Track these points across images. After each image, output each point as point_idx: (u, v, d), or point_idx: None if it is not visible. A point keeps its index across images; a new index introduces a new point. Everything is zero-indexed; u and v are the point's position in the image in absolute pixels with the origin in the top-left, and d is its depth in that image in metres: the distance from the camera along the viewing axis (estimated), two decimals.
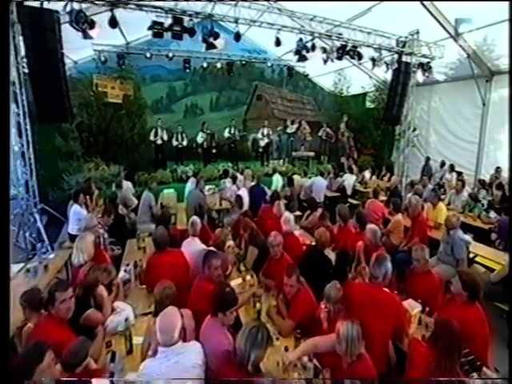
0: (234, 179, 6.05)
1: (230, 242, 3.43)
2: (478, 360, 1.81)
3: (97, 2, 4.68)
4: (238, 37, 5.54)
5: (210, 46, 5.28)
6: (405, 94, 7.45)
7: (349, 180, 7.29)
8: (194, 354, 1.64)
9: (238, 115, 12.56)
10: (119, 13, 5.80)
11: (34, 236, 4.61)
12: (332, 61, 6.39)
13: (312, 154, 9.70)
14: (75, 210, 4.23)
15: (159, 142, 8.52)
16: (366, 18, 6.77)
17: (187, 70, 9.09)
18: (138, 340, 2.00)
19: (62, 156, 6.86)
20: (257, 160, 10.21)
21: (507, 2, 4.91)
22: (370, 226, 3.07)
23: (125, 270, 2.70)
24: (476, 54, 6.94)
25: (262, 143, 9.61)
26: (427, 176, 7.57)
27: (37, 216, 4.61)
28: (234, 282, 2.79)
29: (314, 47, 6.06)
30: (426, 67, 7.20)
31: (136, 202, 5.47)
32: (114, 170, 7.23)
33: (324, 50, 6.25)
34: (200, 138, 9.16)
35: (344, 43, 6.25)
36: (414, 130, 8.61)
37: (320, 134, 10.24)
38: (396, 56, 7.00)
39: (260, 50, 10.46)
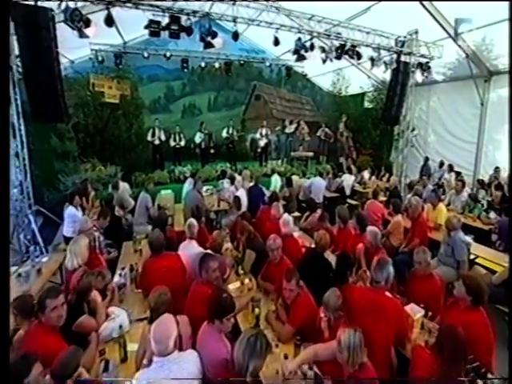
0: (232, 180, 5.99)
1: (228, 245, 3.37)
2: (483, 366, 1.76)
3: (93, 1, 4.60)
4: (236, 36, 5.47)
5: (208, 45, 5.21)
6: (404, 93, 7.42)
7: (348, 180, 7.25)
8: (191, 364, 1.58)
9: (237, 115, 12.49)
10: (116, 12, 5.75)
11: (29, 238, 4.52)
12: (331, 60, 6.35)
13: (311, 154, 9.66)
14: (70, 212, 4.16)
15: (157, 142, 8.44)
16: (365, 18, 6.74)
17: (185, 70, 9.04)
18: (133, 347, 1.94)
19: (58, 156, 6.77)
20: (255, 160, 10.15)
21: (507, 2, 4.89)
22: (371, 228, 3.02)
23: (120, 274, 2.63)
24: (475, 54, 6.93)
25: (261, 143, 9.55)
26: (426, 176, 7.54)
27: (31, 218, 4.53)
28: (233, 286, 2.74)
29: (312, 47, 6.02)
30: (424, 67, 7.18)
31: (133, 203, 5.40)
32: (110, 171, 7.15)
33: (323, 50, 6.21)
34: (198, 138, 9.09)
35: (343, 43, 6.21)
36: (413, 130, 8.59)
37: (319, 134, 10.20)
38: (395, 56, 6.97)
39: (258, 50, 10.41)
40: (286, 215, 3.42)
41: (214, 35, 5.11)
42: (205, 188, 6.29)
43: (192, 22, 5.25)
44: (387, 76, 8.10)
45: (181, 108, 12.86)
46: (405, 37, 6.93)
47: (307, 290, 2.26)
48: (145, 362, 1.65)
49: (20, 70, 4.39)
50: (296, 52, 6.04)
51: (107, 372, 1.67)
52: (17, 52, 4.17)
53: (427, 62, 7.18)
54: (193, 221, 3.13)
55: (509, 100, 6.06)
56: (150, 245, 2.68)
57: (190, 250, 2.89)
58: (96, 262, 2.82)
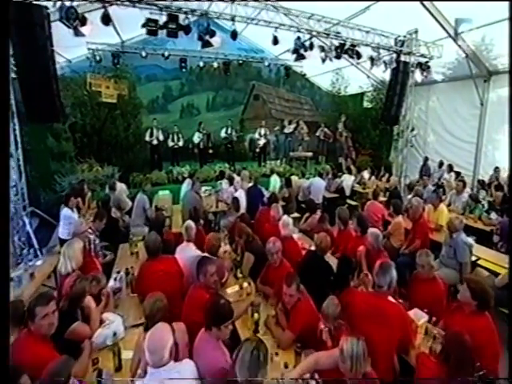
0: (231, 180, 5.92)
1: (227, 247, 3.31)
2: (490, 374, 1.71)
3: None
4: (234, 35, 5.42)
5: (206, 44, 5.14)
6: (403, 93, 7.39)
7: (347, 181, 7.20)
8: (187, 374, 1.51)
9: (235, 115, 12.45)
10: (114, 11, 5.68)
11: (24, 240, 4.44)
12: (330, 60, 6.29)
13: (310, 154, 9.61)
14: (66, 214, 4.08)
15: (155, 142, 8.36)
16: (365, 17, 6.69)
17: (183, 70, 8.97)
18: (127, 355, 1.87)
19: (55, 157, 6.67)
20: (254, 160, 10.09)
21: (507, 2, 4.86)
22: (372, 230, 2.97)
23: (115, 279, 2.55)
24: (474, 54, 6.90)
25: (260, 143, 9.49)
26: (425, 176, 7.50)
27: (26, 220, 4.44)
28: (231, 290, 2.67)
29: (311, 46, 5.96)
30: (424, 67, 7.15)
31: (130, 204, 5.33)
32: (108, 171, 7.07)
33: (322, 49, 6.15)
34: (196, 139, 9.02)
35: (342, 42, 6.16)
36: (412, 129, 8.56)
37: (318, 134, 10.16)
38: (394, 55, 6.93)
39: (257, 50, 10.36)
40: (285, 217, 3.36)
41: (212, 34, 5.05)
42: (203, 189, 6.22)
43: (190, 21, 5.19)
44: (386, 76, 8.07)
45: (179, 108, 12.80)
46: (404, 36, 6.90)
47: (308, 295, 2.19)
48: (139, 371, 1.58)
49: (14, 68, 4.30)
50: (295, 51, 5.98)
51: (101, 382, 1.60)
52: (10, 50, 4.09)
53: (427, 62, 7.15)
54: (190, 223, 3.07)
55: (509, 100, 6.03)
56: (146, 248, 2.61)
57: (187, 253, 2.82)
58: (91, 265, 2.75)
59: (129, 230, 4.70)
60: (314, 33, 5.95)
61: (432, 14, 6.13)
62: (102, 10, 4.71)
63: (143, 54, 8.25)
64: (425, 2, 5.86)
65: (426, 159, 8.56)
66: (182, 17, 5.01)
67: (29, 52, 3.99)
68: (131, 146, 8.56)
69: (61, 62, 7.90)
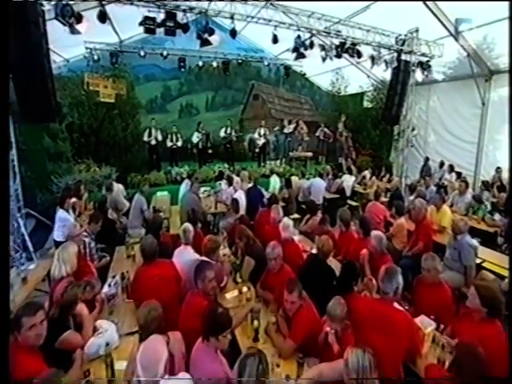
0: (230, 181, 5.83)
1: (226, 250, 3.22)
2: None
3: None
4: (233, 33, 5.34)
5: (205, 43, 5.06)
6: (404, 93, 7.32)
7: (348, 181, 7.12)
8: None
9: (235, 115, 12.39)
10: (112, 9, 5.59)
11: (19, 242, 4.34)
12: (331, 59, 6.22)
13: (310, 154, 9.54)
14: (61, 216, 3.98)
15: (153, 142, 8.28)
16: (365, 16, 6.62)
17: (182, 69, 8.89)
18: (122, 365, 1.78)
19: (51, 157, 6.57)
20: (253, 161, 10.02)
21: (507, 2, 4.79)
22: (376, 233, 2.89)
23: (109, 285, 2.46)
24: (476, 53, 6.83)
25: (259, 143, 9.41)
26: (426, 176, 7.43)
27: (20, 221, 4.34)
28: (230, 295, 2.59)
29: (312, 44, 5.88)
30: (425, 66, 7.09)
31: (128, 205, 5.24)
32: (105, 172, 6.98)
33: (322, 48, 6.07)
34: (195, 139, 8.94)
35: (343, 41, 6.09)
36: (413, 129, 8.50)
37: (317, 134, 10.09)
38: (395, 54, 6.86)
39: (256, 49, 10.28)
40: (285, 219, 3.28)
41: (211, 32, 4.97)
42: (202, 189, 6.14)
43: (189, 19, 5.11)
44: (387, 75, 8.00)
45: (178, 108, 12.74)
46: (405, 35, 6.83)
47: (310, 301, 2.11)
48: None
49: None
50: (295, 50, 5.91)
51: None
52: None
53: (428, 61, 7.09)
54: (188, 225, 2.98)
55: (509, 100, 5.97)
56: (142, 252, 2.52)
57: (185, 257, 2.73)
58: (85, 270, 2.66)
59: (126, 232, 4.61)
60: (315, 31, 5.88)
61: (433, 13, 6.06)
62: (100, 8, 4.62)
63: (142, 53, 8.19)
64: (427, 2, 5.79)
65: (427, 159, 8.50)
66: (180, 15, 4.93)
67: (23, 50, 3.89)
68: (129, 146, 8.48)
69: (58, 61, 7.83)
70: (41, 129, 6.32)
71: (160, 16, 4.89)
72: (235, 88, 13.20)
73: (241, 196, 5.06)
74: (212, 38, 5.01)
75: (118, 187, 5.69)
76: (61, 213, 4.05)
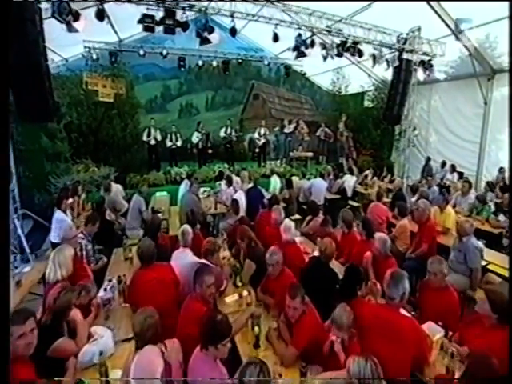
0: (230, 181, 5.76)
1: (226, 253, 3.14)
2: None
3: None
4: (233, 31, 5.27)
5: (204, 41, 4.99)
6: (406, 92, 7.26)
7: (349, 181, 7.05)
8: None
9: (235, 115, 12.31)
10: (112, 9, 5.53)
11: (15, 244, 4.27)
12: (332, 58, 6.15)
13: (310, 154, 9.47)
14: (58, 217, 3.91)
15: (152, 142, 8.21)
16: (367, 14, 6.55)
17: (182, 69, 8.84)
18: (117, 374, 1.71)
19: (49, 157, 6.50)
20: (253, 161, 9.95)
21: (507, 2, 4.74)
22: (380, 235, 2.82)
23: (105, 289, 2.38)
24: (478, 52, 6.76)
25: (259, 143, 9.34)
26: (427, 176, 7.36)
27: (17, 223, 4.27)
28: (230, 299, 2.51)
29: (313, 43, 5.81)
30: (427, 65, 7.02)
31: (126, 205, 5.17)
32: (104, 172, 6.91)
33: (323, 47, 6.00)
34: (195, 138, 8.87)
35: (344, 39, 6.02)
36: (414, 129, 8.44)
37: (318, 133, 10.02)
38: (397, 53, 6.79)
39: (257, 48, 10.23)
40: (287, 220, 3.20)
41: (211, 30, 4.90)
42: (202, 190, 6.06)
43: (188, 18, 5.04)
44: (387, 75, 7.94)
45: (178, 107, 12.66)
46: (407, 34, 6.76)
47: (313, 307, 2.03)
48: None
49: None
50: (296, 48, 5.83)
51: None
52: None
53: (429, 60, 7.02)
54: (187, 227, 2.90)
55: (509, 99, 5.90)
56: (139, 255, 2.45)
57: (183, 260, 2.66)
58: (81, 273, 2.59)
59: (124, 233, 4.54)
60: (315, 30, 5.81)
61: (436, 11, 5.99)
62: (98, 6, 4.54)
63: (141, 52, 8.15)
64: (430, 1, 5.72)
65: (428, 159, 8.43)
66: (179, 12, 4.86)
67: (19, 48, 3.82)
68: (128, 146, 8.41)
69: (57, 60, 7.77)
70: (39, 128, 6.25)
71: (159, 14, 4.83)
72: (235, 87, 13.11)
73: (241, 196, 4.99)
74: (212, 37, 4.94)
75: (117, 187, 5.62)
76: (58, 214, 3.98)
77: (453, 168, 7.44)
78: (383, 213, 4.56)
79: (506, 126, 6.96)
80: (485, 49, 6.75)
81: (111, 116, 8.11)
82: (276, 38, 5.59)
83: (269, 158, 9.72)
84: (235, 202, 4.23)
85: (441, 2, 5.88)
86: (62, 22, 4.17)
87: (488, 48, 6.75)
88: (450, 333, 1.94)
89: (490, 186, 5.66)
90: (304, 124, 9.95)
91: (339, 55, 6.18)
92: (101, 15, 4.60)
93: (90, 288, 2.29)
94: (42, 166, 6.32)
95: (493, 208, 4.76)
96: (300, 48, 5.80)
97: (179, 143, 8.70)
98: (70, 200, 4.41)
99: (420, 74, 7.22)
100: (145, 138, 8.20)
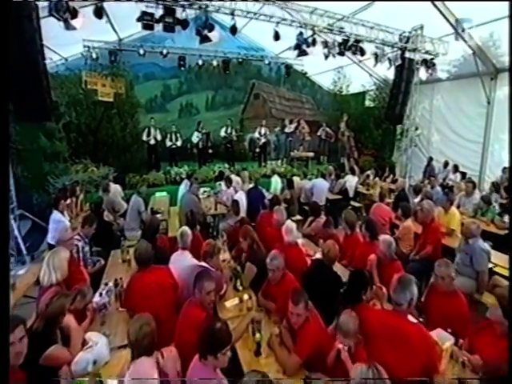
0: (229, 181, 5.69)
1: (226, 255, 3.06)
2: None
3: None
4: (234, 30, 5.19)
5: (204, 39, 4.92)
6: (408, 91, 7.18)
7: (351, 182, 6.96)
8: None
9: (235, 114, 12.27)
10: (112, 8, 5.47)
11: (12, 245, 4.20)
12: (334, 56, 6.07)
13: (311, 154, 9.39)
14: (55, 218, 3.84)
15: (152, 142, 8.14)
16: (369, 12, 6.48)
17: (182, 68, 8.78)
18: (112, 383, 1.64)
19: (48, 157, 6.44)
20: (254, 161, 9.88)
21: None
22: (385, 237, 2.73)
23: (100, 294, 2.30)
24: (481, 50, 6.67)
25: (260, 143, 9.27)
26: (430, 177, 7.28)
27: (14, 223, 4.20)
28: (230, 303, 2.44)
29: (314, 42, 5.73)
30: (429, 64, 6.94)
31: (125, 206, 5.10)
32: (103, 172, 6.84)
33: (325, 45, 5.91)
34: (195, 138, 8.80)
35: (346, 38, 5.94)
36: (416, 129, 8.36)
37: (319, 133, 9.94)
38: (399, 52, 6.71)
39: (257, 48, 10.16)
40: (289, 222, 3.12)
41: (211, 28, 4.83)
42: (202, 190, 5.99)
43: (188, 16, 4.97)
44: (389, 74, 7.87)
45: (178, 107, 12.62)
46: (409, 32, 6.68)
47: (316, 313, 1.96)
48: None
49: None
50: (297, 47, 5.75)
51: None
52: None
53: (432, 59, 6.94)
54: (186, 229, 2.82)
55: (509, 99, 5.81)
56: (136, 258, 2.37)
57: (182, 263, 2.58)
58: (77, 276, 2.51)
59: (123, 234, 4.47)
60: (317, 28, 5.73)
61: (439, 10, 5.91)
62: (96, 4, 4.48)
63: (141, 51, 8.09)
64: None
65: (431, 159, 8.34)
66: (179, 10, 4.79)
67: (15, 45, 3.75)
68: (128, 146, 8.35)
69: (56, 59, 7.71)
70: (37, 128, 6.19)
71: (158, 12, 4.76)
72: (236, 87, 13.06)
73: (241, 197, 4.92)
74: (212, 35, 4.87)
75: (116, 188, 5.54)
76: (55, 214, 3.91)
77: (455, 168, 7.35)
78: (386, 214, 4.48)
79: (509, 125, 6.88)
80: (488, 47, 6.67)
81: (111, 116, 8.06)
82: (277, 37, 5.51)
83: (269, 158, 9.66)
84: (235, 203, 4.16)
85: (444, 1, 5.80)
86: (59, 20, 4.10)
87: (492, 46, 6.66)
88: (461, 341, 1.86)
89: (495, 186, 5.57)
90: (305, 124, 9.87)
91: (341, 54, 6.11)
92: (99, 13, 4.54)
93: (86, 292, 2.22)
94: (40, 166, 6.26)
95: (498, 209, 4.67)
96: (301, 46, 5.72)
97: (179, 143, 8.64)
98: (68, 201, 4.33)
99: (422, 73, 7.15)
100: (144, 138, 8.13)
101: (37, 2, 3.94)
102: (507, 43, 6.20)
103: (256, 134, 9.39)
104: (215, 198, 5.61)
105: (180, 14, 4.84)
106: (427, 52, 6.88)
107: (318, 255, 3.11)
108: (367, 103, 10.23)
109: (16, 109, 4.07)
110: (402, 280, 1.83)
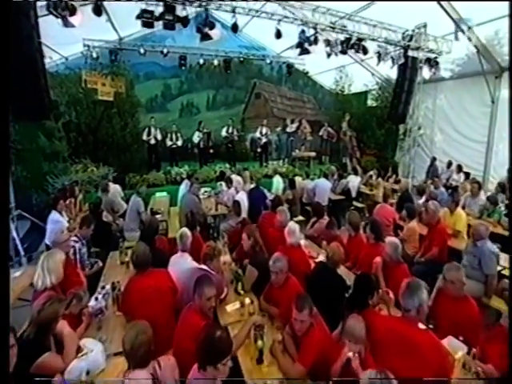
0: (230, 182, 5.61)
1: (227, 258, 2.99)
2: None
3: None
4: (235, 27, 5.12)
5: (205, 37, 4.84)
6: (411, 90, 7.10)
7: (353, 182, 6.88)
8: None
9: (236, 114, 12.18)
10: (112, 7, 5.40)
11: (9, 246, 4.14)
12: (336, 55, 5.98)
13: (313, 154, 9.30)
14: (53, 218, 3.78)
15: (152, 141, 8.07)
16: (371, 10, 6.39)
17: (183, 67, 8.72)
18: None
19: (47, 157, 6.38)
20: (255, 161, 9.80)
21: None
22: (391, 239, 2.65)
23: (96, 298, 2.23)
24: (486, 49, 6.57)
25: (261, 143, 9.19)
26: (433, 177, 7.18)
27: (11, 224, 4.14)
28: (231, 307, 2.36)
29: (316, 40, 5.64)
30: (432, 63, 6.85)
31: (125, 206, 5.04)
32: (103, 172, 6.78)
33: (328, 43, 5.83)
34: (196, 138, 8.73)
35: (348, 36, 5.86)
36: (419, 128, 8.27)
37: (321, 133, 9.86)
38: (402, 51, 6.62)
39: (258, 47, 10.10)
40: (291, 223, 3.04)
41: (212, 26, 4.75)
42: (202, 190, 5.92)
43: (188, 13, 4.90)
44: (391, 73, 7.78)
45: (178, 107, 12.55)
46: (413, 30, 6.60)
47: (321, 319, 1.88)
48: None
49: None
50: (299, 45, 5.67)
51: None
52: None
53: (435, 58, 6.85)
54: (185, 230, 2.75)
55: (509, 99, 5.72)
56: (133, 260, 2.30)
57: (181, 266, 2.50)
58: (74, 279, 2.44)
59: (122, 235, 4.40)
60: (319, 26, 5.65)
61: (443, 8, 5.81)
62: (96, 1, 4.41)
63: (141, 50, 8.04)
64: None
65: (434, 159, 8.23)
66: (179, 8, 4.72)
67: (13, 43, 3.68)
68: (128, 145, 8.30)
69: (56, 58, 7.66)
70: (36, 127, 6.14)
71: (158, 9, 4.69)
72: (237, 86, 12.98)
73: (242, 197, 4.84)
74: (212, 33, 4.79)
75: (115, 188, 5.48)
76: (53, 215, 3.85)
77: (459, 168, 7.25)
78: (390, 214, 4.40)
79: None
80: (493, 46, 6.57)
81: (111, 115, 8.00)
82: (279, 35, 5.44)
83: (271, 158, 9.59)
84: (237, 203, 4.08)
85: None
86: (57, 17, 4.04)
87: (496, 45, 6.56)
88: (474, 350, 1.78)
89: (502, 186, 5.47)
90: (306, 123, 9.78)
91: (343, 52, 6.03)
92: (98, 10, 4.46)
93: (82, 296, 2.14)
94: (39, 165, 6.21)
95: (504, 210, 4.58)
96: (303, 45, 5.64)
97: (180, 143, 8.57)
98: (67, 201, 4.27)
99: (425, 72, 7.05)
100: (145, 138, 8.07)
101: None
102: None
103: (257, 134, 9.31)
104: (216, 199, 5.54)
105: (180, 11, 4.77)
106: (430, 50, 6.79)
107: (321, 257, 3.04)
108: (369, 103, 10.14)
109: (14, 107, 4.00)
110: (411, 285, 1.74)
